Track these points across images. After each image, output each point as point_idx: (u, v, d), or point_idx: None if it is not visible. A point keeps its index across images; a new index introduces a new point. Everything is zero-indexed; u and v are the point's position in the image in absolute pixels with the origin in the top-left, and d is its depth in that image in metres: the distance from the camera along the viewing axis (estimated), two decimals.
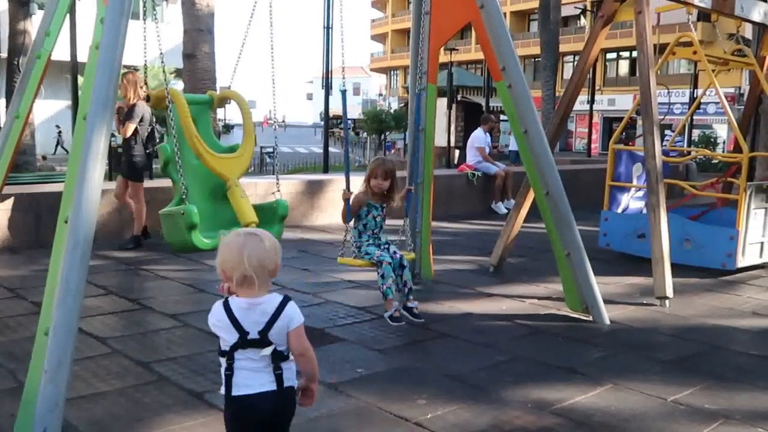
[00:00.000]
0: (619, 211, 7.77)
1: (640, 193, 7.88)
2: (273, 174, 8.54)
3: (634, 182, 7.91)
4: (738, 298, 5.97)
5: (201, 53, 12.45)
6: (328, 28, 13.48)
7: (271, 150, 23.51)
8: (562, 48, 28.71)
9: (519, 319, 5.11)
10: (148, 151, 7.53)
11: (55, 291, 3.06)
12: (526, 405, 3.52)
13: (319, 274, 6.43)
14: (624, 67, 45.62)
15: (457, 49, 31.20)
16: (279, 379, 2.25)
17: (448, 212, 10.31)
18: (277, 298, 2.27)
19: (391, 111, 39.81)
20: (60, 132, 33.24)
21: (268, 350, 2.23)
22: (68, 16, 4.85)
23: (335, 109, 17.25)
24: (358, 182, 5.16)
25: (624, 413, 3.45)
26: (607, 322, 5.05)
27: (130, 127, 7.26)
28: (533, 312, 5.34)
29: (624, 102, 40.27)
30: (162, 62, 4.48)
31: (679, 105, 32.89)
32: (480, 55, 37.23)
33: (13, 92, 5.47)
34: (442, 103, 22.61)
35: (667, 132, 24.03)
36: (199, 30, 12.40)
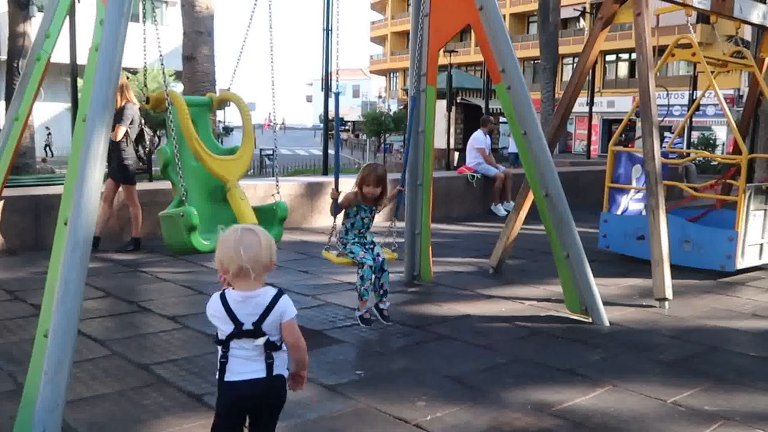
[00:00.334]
0: (619, 212, 7.78)
1: (640, 195, 7.89)
2: (272, 176, 8.55)
3: (634, 184, 7.91)
4: (737, 299, 5.98)
5: (200, 55, 12.46)
6: (327, 31, 13.48)
7: (270, 152, 23.53)
8: (562, 50, 28.72)
9: (518, 321, 5.12)
10: (138, 153, 7.49)
11: (54, 293, 3.06)
12: (526, 406, 3.52)
13: (319, 276, 6.43)
14: (623, 68, 45.65)
15: (457, 51, 31.22)
16: (270, 367, 2.38)
17: (447, 214, 10.32)
18: (271, 292, 2.40)
19: (391, 113, 39.79)
20: (50, 134, 33.30)
21: (261, 340, 2.36)
22: (68, 18, 4.84)
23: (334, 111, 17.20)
24: (349, 184, 5.17)
25: (623, 414, 3.45)
26: (607, 323, 5.05)
27: (121, 130, 7.22)
28: (533, 313, 5.34)
29: (623, 104, 40.31)
30: (162, 64, 4.48)
31: (679, 107, 32.92)
32: (479, 57, 37.25)
33: (12, 94, 5.47)
34: (442, 105, 22.61)
35: (666, 134, 24.04)
36: (198, 32, 12.40)
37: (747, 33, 13.77)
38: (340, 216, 4.98)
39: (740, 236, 6.66)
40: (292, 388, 2.53)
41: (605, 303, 5.20)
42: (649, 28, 6.00)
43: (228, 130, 41.55)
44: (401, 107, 44.07)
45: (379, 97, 74.96)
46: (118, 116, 7.20)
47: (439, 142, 21.48)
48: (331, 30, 13.40)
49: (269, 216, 4.99)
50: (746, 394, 3.79)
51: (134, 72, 21.09)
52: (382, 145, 35.09)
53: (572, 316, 5.23)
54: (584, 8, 37.21)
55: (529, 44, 44.65)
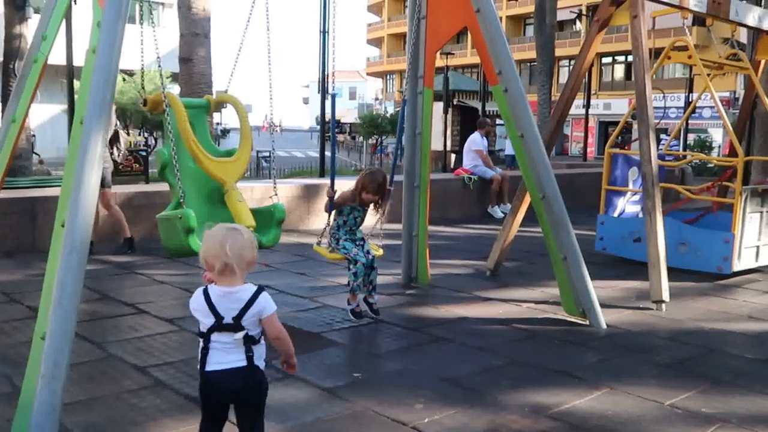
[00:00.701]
0: (615, 215, 7.79)
1: (636, 197, 7.90)
2: (269, 178, 8.53)
3: (630, 186, 7.93)
4: (734, 301, 5.99)
5: (197, 57, 12.45)
6: (324, 33, 13.49)
7: (267, 154, 23.50)
8: (558, 52, 28.75)
9: (516, 323, 5.12)
10: (113, 156, 7.40)
11: (51, 295, 3.05)
12: (523, 409, 3.52)
13: (316, 278, 6.43)
14: (619, 71, 45.72)
15: (453, 54, 31.21)
16: (249, 360, 2.51)
17: (444, 216, 10.32)
18: (251, 288, 2.54)
19: (387, 115, 39.82)
20: (33, 136, 33.17)
21: (240, 334, 2.50)
22: (64, 20, 4.84)
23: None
24: (346, 185, 5.19)
25: (620, 417, 3.46)
26: (604, 325, 5.06)
27: None
28: (530, 316, 5.35)
29: (620, 106, 40.36)
30: (159, 66, 4.48)
31: (675, 109, 32.97)
32: (476, 60, 37.28)
33: (9, 96, 5.46)
34: (439, 107, 22.63)
35: (662, 136, 24.09)
36: (195, 34, 12.40)
37: (743, 35, 13.80)
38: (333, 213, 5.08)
39: (737, 238, 6.67)
40: (288, 371, 2.74)
41: (602, 305, 5.21)
42: (646, 31, 6.02)
43: (225, 132, 41.52)
44: (398, 109, 44.09)
45: (376, 99, 75.01)
46: None
47: (436, 144, 21.49)
48: (328, 32, 13.42)
49: (267, 218, 4.99)
50: (743, 396, 3.79)
51: (131, 74, 21.14)
52: (377, 147, 35.15)
53: (569, 319, 5.24)
54: (580, 11, 37.23)
55: (525, 46, 44.69)
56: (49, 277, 3.14)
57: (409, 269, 6.23)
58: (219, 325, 2.49)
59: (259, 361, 2.56)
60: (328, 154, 16.94)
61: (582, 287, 5.10)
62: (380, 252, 5.18)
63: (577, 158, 32.54)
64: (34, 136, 33.25)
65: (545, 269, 6.13)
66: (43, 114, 29.48)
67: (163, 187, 6.76)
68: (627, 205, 8.00)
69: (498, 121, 23.11)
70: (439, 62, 23.78)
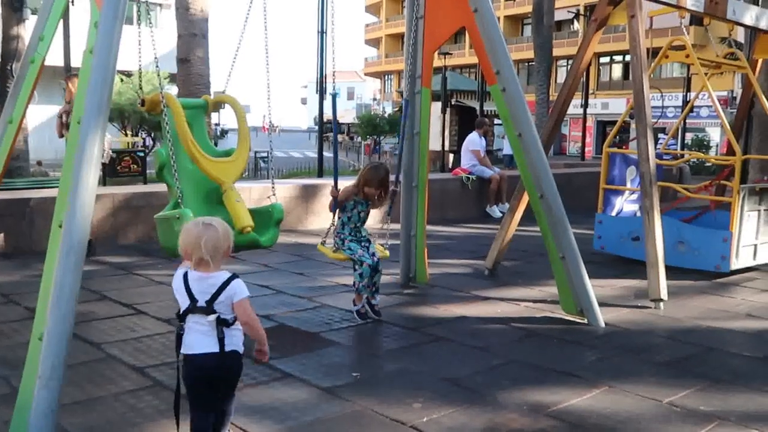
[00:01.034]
0: (614, 214, 7.79)
1: (634, 196, 7.91)
2: (268, 178, 8.53)
3: (628, 185, 7.93)
4: (732, 300, 5.99)
5: (195, 58, 12.44)
6: (322, 33, 13.50)
7: (265, 155, 23.48)
8: (556, 52, 28.76)
9: (514, 322, 5.12)
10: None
11: (49, 296, 3.05)
12: (522, 408, 3.52)
13: (314, 278, 6.43)
14: (617, 70, 45.75)
15: (451, 54, 31.23)
16: (221, 342, 2.67)
17: (442, 216, 10.33)
18: (225, 275, 2.72)
19: (386, 115, 39.79)
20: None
21: (212, 317, 2.67)
22: (62, 20, 4.83)
23: (330, 113, 17.26)
24: (345, 185, 5.17)
25: (619, 415, 3.46)
26: (602, 324, 5.06)
27: None
28: (528, 315, 5.35)
29: (617, 105, 40.39)
30: (157, 67, 4.47)
31: (673, 108, 33.02)
32: (474, 60, 37.29)
33: (6, 97, 5.45)
34: (437, 107, 22.64)
35: (660, 135, 24.11)
36: (193, 35, 12.39)
37: (740, 35, 13.81)
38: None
39: (734, 237, 6.68)
40: (257, 362, 2.93)
41: (600, 304, 5.21)
42: (643, 30, 6.02)
43: (224, 133, 41.48)
44: (396, 109, 44.09)
45: (374, 99, 74.97)
46: None
47: (434, 144, 21.48)
48: (326, 32, 13.42)
49: (265, 218, 4.98)
50: (741, 394, 3.80)
51: (129, 75, 21.12)
52: (371, 147, 35.15)
53: (568, 318, 5.24)
54: (578, 10, 37.26)
55: (523, 46, 44.72)
56: (47, 278, 3.14)
57: (408, 269, 6.23)
58: (194, 308, 2.68)
59: (233, 345, 2.72)
60: (326, 154, 16.92)
61: (580, 286, 5.10)
62: (386, 254, 5.17)
63: (575, 158, 32.59)
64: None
65: (543, 268, 6.13)
66: (41, 115, 29.45)
67: (161, 187, 6.75)
68: (625, 204, 8.01)
69: (496, 121, 23.13)
70: (437, 62, 23.78)
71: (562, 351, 4.53)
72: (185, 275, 2.72)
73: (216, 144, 10.91)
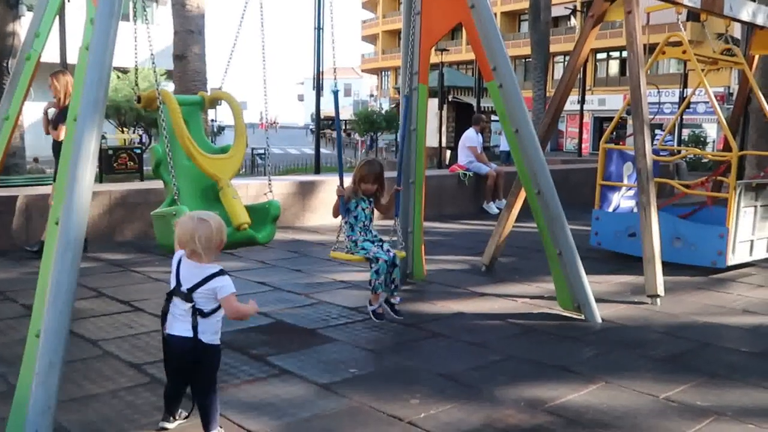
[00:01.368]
0: (610, 210, 7.80)
1: (631, 192, 7.92)
2: (265, 175, 8.53)
3: (625, 181, 7.94)
4: (728, 295, 6.01)
5: (191, 54, 12.43)
6: (319, 29, 13.48)
7: (262, 151, 23.50)
8: (553, 48, 28.81)
9: (511, 318, 5.13)
10: None
11: (46, 293, 3.05)
12: (519, 403, 3.53)
13: (312, 274, 6.43)
14: (614, 67, 45.80)
15: (448, 50, 31.25)
16: (194, 330, 2.84)
17: (439, 212, 10.33)
18: (213, 269, 2.86)
19: (383, 112, 39.79)
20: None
21: (188, 305, 2.85)
22: (57, 17, 4.82)
23: (327, 110, 17.27)
24: (345, 181, 5.17)
25: (616, 411, 3.47)
26: (599, 320, 5.07)
27: (62, 130, 6.71)
28: (525, 311, 5.36)
29: (614, 102, 40.44)
30: (153, 63, 4.46)
31: (669, 104, 33.08)
32: (471, 56, 37.31)
33: (2, 94, 5.44)
34: (434, 103, 22.64)
35: (657, 131, 24.14)
36: (189, 31, 12.37)
37: (737, 31, 13.83)
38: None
39: (731, 233, 6.69)
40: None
41: (597, 300, 5.22)
42: (640, 26, 6.02)
43: (221, 129, 41.42)
44: (393, 106, 44.09)
45: (371, 95, 74.95)
46: (62, 116, 6.78)
47: (431, 140, 21.52)
48: (323, 28, 13.41)
49: (262, 215, 4.98)
50: (738, 389, 3.81)
51: (125, 71, 21.05)
52: (367, 143, 35.18)
53: (565, 313, 5.25)
54: (575, 6, 37.31)
55: (520, 42, 44.72)
56: (44, 275, 3.13)
57: (405, 265, 6.23)
58: (177, 291, 2.88)
59: (206, 336, 2.87)
60: (323, 151, 16.96)
61: (577, 282, 5.11)
62: (402, 254, 5.15)
63: (572, 154, 32.61)
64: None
65: (540, 264, 6.14)
66: (37, 112, 29.38)
67: (158, 184, 6.75)
68: (622, 200, 8.02)
69: (493, 117, 23.15)
70: (434, 58, 23.77)
71: (559, 347, 4.54)
72: (180, 259, 2.91)
73: (214, 141, 10.90)
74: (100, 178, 12.57)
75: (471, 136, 11.69)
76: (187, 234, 2.82)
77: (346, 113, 58.08)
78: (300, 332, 4.70)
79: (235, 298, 2.88)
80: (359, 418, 3.33)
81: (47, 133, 7.10)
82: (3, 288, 5.67)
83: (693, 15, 7.53)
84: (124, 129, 24.07)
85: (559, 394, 3.65)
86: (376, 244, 4.97)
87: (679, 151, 12.77)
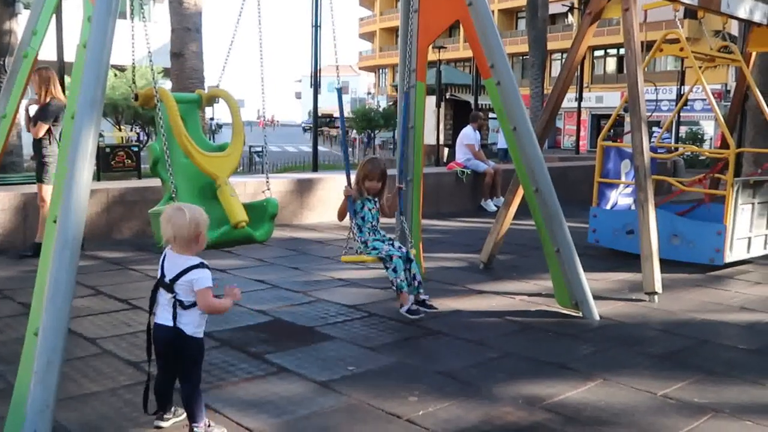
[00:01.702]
0: (608, 207, 7.81)
1: (629, 190, 7.92)
2: (262, 173, 8.52)
3: (623, 179, 7.95)
4: (726, 292, 6.02)
5: (189, 52, 12.41)
6: (316, 27, 13.46)
7: (260, 149, 23.46)
8: (550, 46, 28.77)
9: (509, 316, 5.13)
10: None
11: (44, 291, 3.04)
12: (517, 401, 3.54)
13: (310, 272, 6.43)
14: (611, 64, 45.79)
15: (446, 47, 31.21)
16: (174, 319, 2.94)
17: (437, 210, 10.33)
18: (193, 261, 2.95)
19: (380, 109, 39.77)
20: None
21: (170, 296, 2.95)
22: (55, 15, 4.80)
23: (324, 108, 17.25)
24: (341, 179, 5.17)
25: (614, 408, 3.48)
26: (597, 317, 5.08)
27: (43, 128, 6.78)
28: (523, 308, 5.36)
29: (612, 99, 40.43)
30: (150, 61, 4.45)
31: (667, 102, 33.09)
32: (468, 53, 37.26)
33: None
34: (431, 101, 22.62)
35: (654, 129, 24.13)
36: (186, 29, 12.36)
37: (734, 28, 13.83)
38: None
39: (728, 230, 6.70)
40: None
41: (595, 297, 5.23)
42: (637, 24, 6.03)
43: (218, 127, 41.38)
44: (390, 103, 44.06)
45: (369, 93, 74.88)
46: (42, 113, 6.80)
47: (429, 138, 21.48)
48: (321, 26, 13.39)
49: (260, 213, 4.96)
50: (735, 386, 3.82)
51: (122, 69, 21.03)
52: (364, 141, 35.19)
53: (563, 311, 5.26)
54: (572, 4, 37.23)
55: (517, 40, 44.69)
56: (42, 273, 3.13)
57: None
58: (160, 282, 2.99)
59: (188, 328, 2.95)
60: (321, 148, 16.95)
61: (575, 279, 5.11)
62: (413, 251, 5.16)
63: (570, 151, 32.59)
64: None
65: (538, 262, 6.14)
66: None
67: (156, 182, 6.74)
68: (619, 197, 8.03)
69: (491, 115, 23.14)
70: (432, 56, 23.77)
71: (557, 344, 4.55)
72: (167, 252, 3.03)
73: (213, 139, 10.86)
74: (97, 176, 12.55)
75: (468, 134, 11.70)
76: (163, 221, 2.95)
77: (344, 111, 58.09)
78: (298, 330, 4.70)
79: (209, 293, 2.93)
80: (358, 416, 3.33)
81: (28, 130, 7.02)
82: (1, 286, 5.66)
83: (690, 12, 7.54)
84: (122, 127, 24.04)
85: (557, 392, 3.66)
86: (386, 242, 4.97)
87: (676, 149, 12.77)
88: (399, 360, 4.15)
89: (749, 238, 7.06)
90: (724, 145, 7.93)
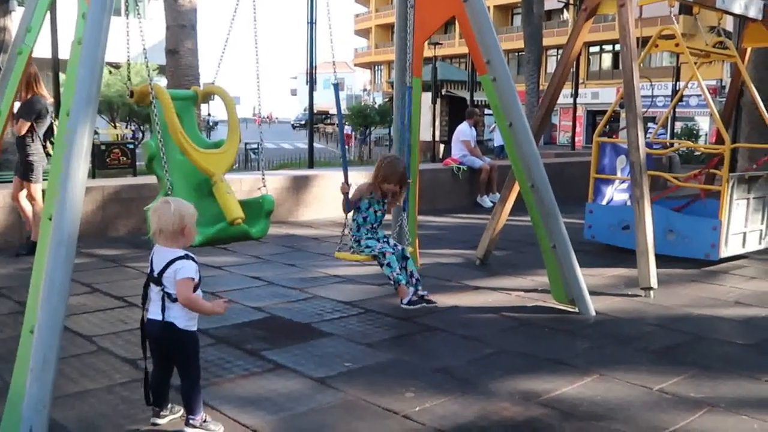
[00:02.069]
0: (604, 203, 7.83)
1: (624, 185, 7.94)
2: (258, 170, 8.51)
3: (618, 174, 7.96)
4: (721, 287, 6.03)
5: (184, 49, 12.38)
6: (311, 23, 13.45)
7: (255, 146, 23.43)
8: (546, 42, 28.78)
9: (506, 312, 5.14)
10: (47, 150, 6.90)
11: (39, 289, 3.04)
12: (514, 396, 3.54)
13: (306, 269, 6.43)
14: (607, 60, 45.81)
15: (441, 44, 31.17)
16: (163, 312, 2.96)
17: (433, 206, 10.34)
18: (177, 253, 2.97)
19: (376, 106, 39.69)
20: None
21: (158, 289, 2.98)
22: (49, 12, 4.78)
23: (319, 104, 17.24)
24: (352, 177, 5.11)
25: (610, 403, 3.49)
26: (593, 313, 5.09)
27: (25, 125, 6.69)
28: (520, 304, 5.37)
29: (607, 95, 40.47)
30: (145, 58, 4.44)
31: (662, 98, 33.13)
32: (464, 50, 37.24)
33: None
34: (427, 97, 22.61)
35: (650, 124, 24.16)
36: (181, 26, 12.33)
37: (729, 24, 13.84)
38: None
39: (724, 225, 6.72)
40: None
41: (591, 293, 5.24)
42: (633, 19, 6.03)
43: (214, 124, 41.26)
44: (386, 100, 43.99)
45: (364, 90, 74.82)
46: (24, 110, 6.70)
47: (425, 134, 21.47)
48: (316, 23, 13.37)
49: (256, 210, 4.96)
50: (731, 381, 3.83)
51: (117, 67, 20.97)
52: (359, 138, 35.13)
53: (559, 307, 5.27)
54: (568, 0, 37.28)
55: (513, 36, 44.70)
56: (37, 271, 3.12)
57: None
58: (150, 276, 3.01)
59: (179, 321, 2.97)
60: (317, 145, 16.94)
61: (571, 275, 5.12)
62: (410, 249, 5.14)
63: (566, 147, 32.66)
64: None
65: (534, 258, 6.15)
66: None
67: (152, 179, 6.71)
68: (615, 193, 8.04)
69: (487, 111, 23.14)
70: (428, 52, 23.74)
71: (553, 340, 4.56)
72: (155, 248, 3.04)
73: (209, 136, 10.81)
74: (92, 174, 12.52)
75: (464, 130, 11.70)
76: (150, 214, 2.99)
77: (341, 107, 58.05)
78: (295, 327, 4.70)
79: (189, 284, 2.93)
80: (354, 412, 3.34)
81: (7, 127, 6.94)
82: None
83: (685, 8, 7.53)
84: (117, 124, 23.97)
85: (553, 387, 3.67)
86: (381, 240, 4.95)
87: (672, 144, 12.79)
88: (395, 356, 4.15)
89: (744, 234, 7.08)
90: (720, 140, 7.94)
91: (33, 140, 6.85)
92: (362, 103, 42.17)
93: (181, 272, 2.93)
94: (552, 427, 3.21)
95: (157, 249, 3.02)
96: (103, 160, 14.09)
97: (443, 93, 26.66)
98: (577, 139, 30.64)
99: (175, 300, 2.95)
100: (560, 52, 7.76)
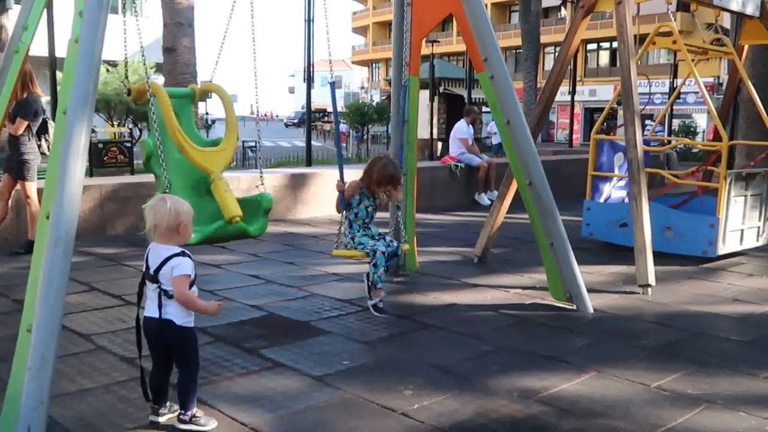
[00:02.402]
0: (602, 200, 7.83)
1: (622, 183, 7.94)
2: (256, 168, 8.50)
3: (616, 172, 7.96)
4: (719, 285, 6.04)
5: (181, 47, 12.36)
6: (309, 21, 13.42)
7: (253, 144, 23.40)
8: (543, 39, 28.81)
9: (504, 309, 5.14)
10: (41, 148, 6.92)
11: (37, 288, 3.03)
12: (512, 394, 3.55)
13: (304, 267, 6.43)
14: (604, 57, 45.84)
15: (439, 41, 31.16)
16: (159, 309, 2.98)
17: (431, 204, 10.34)
18: (173, 250, 2.98)
19: (374, 104, 39.68)
20: None
21: (155, 286, 2.99)
22: (45, 10, 4.77)
23: (317, 102, 17.23)
24: (349, 175, 5.11)
25: (609, 400, 3.49)
26: (591, 310, 5.10)
27: (23, 125, 6.68)
28: (518, 302, 5.38)
29: (605, 92, 40.48)
30: (142, 56, 4.43)
31: (660, 95, 33.11)
32: (462, 47, 37.23)
33: None
34: (425, 95, 22.59)
35: (647, 122, 24.19)
36: (179, 24, 12.31)
37: (726, 21, 13.86)
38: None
39: (721, 222, 6.73)
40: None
41: (589, 290, 5.24)
42: (630, 17, 6.03)
43: (212, 122, 41.23)
44: (384, 98, 43.98)
45: (362, 87, 74.78)
46: (20, 109, 6.66)
47: (423, 132, 21.48)
48: (313, 20, 13.35)
49: (254, 208, 4.96)
50: (729, 377, 3.84)
51: (114, 65, 20.92)
52: (354, 135, 35.13)
53: (557, 304, 5.27)
54: None
55: (510, 33, 44.70)
56: (35, 270, 3.12)
57: (398, 257, 6.23)
58: (146, 274, 3.01)
59: (177, 318, 2.98)
60: (315, 143, 16.90)
61: (569, 273, 5.13)
62: (406, 246, 5.15)
63: (563, 145, 32.62)
64: None
65: (532, 255, 6.16)
66: None
67: (149, 178, 6.71)
68: (613, 190, 8.04)
69: (485, 109, 23.12)
70: (425, 50, 23.73)
71: (551, 337, 4.56)
72: (151, 246, 3.05)
73: (207, 134, 10.79)
74: (90, 172, 12.49)
75: (462, 128, 11.69)
76: (146, 210, 2.99)
77: (337, 105, 58.04)
78: (293, 325, 4.70)
79: (186, 281, 2.95)
80: (353, 410, 3.34)
81: (4, 126, 6.92)
82: None
83: (683, 5, 7.54)
84: (114, 123, 23.92)
85: (551, 384, 3.67)
86: (376, 237, 4.95)
87: (669, 141, 12.81)
88: (394, 354, 4.16)
89: (742, 231, 7.08)
90: (717, 137, 7.96)
91: (29, 139, 6.83)
92: (360, 101, 42.14)
93: (178, 269, 2.94)
94: (550, 424, 3.22)
95: (152, 246, 3.02)
96: (100, 158, 14.07)
97: (441, 90, 26.64)
98: (574, 136, 30.64)
99: (171, 296, 2.96)
100: (558, 49, 7.74)
